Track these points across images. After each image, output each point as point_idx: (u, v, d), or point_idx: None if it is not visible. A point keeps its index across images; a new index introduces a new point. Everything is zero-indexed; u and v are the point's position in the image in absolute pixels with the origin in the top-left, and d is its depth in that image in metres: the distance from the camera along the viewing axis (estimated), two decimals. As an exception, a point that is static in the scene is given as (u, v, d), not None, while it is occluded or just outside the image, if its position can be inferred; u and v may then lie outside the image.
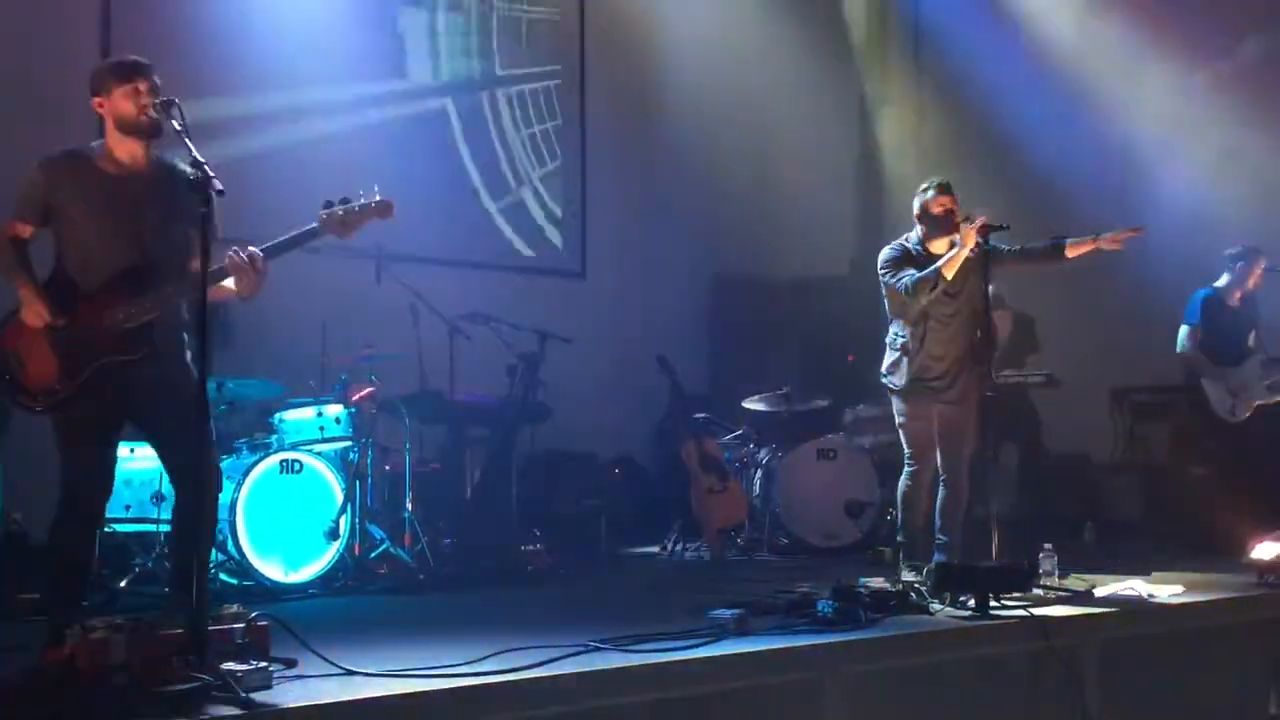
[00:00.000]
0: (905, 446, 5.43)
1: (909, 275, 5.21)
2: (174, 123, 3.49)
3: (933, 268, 5.17)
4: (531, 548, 6.14)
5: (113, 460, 3.82)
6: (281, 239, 3.74)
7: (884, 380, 5.46)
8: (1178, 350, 6.98)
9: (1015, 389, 7.08)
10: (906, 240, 5.41)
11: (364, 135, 7.64)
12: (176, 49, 6.22)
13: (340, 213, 3.73)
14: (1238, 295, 6.96)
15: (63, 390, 3.63)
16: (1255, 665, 4.96)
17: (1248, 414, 6.82)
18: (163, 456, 3.87)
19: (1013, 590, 4.57)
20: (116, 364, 3.63)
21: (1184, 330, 6.94)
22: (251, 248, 3.67)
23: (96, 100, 3.72)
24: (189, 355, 3.77)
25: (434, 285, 6.51)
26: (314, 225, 3.74)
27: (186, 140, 3.42)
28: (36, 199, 3.73)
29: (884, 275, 5.34)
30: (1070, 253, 5.23)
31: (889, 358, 5.41)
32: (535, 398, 6.82)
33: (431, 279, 6.67)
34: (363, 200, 3.77)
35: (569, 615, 4.71)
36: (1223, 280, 6.98)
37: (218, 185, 3.36)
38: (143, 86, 3.68)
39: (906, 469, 5.43)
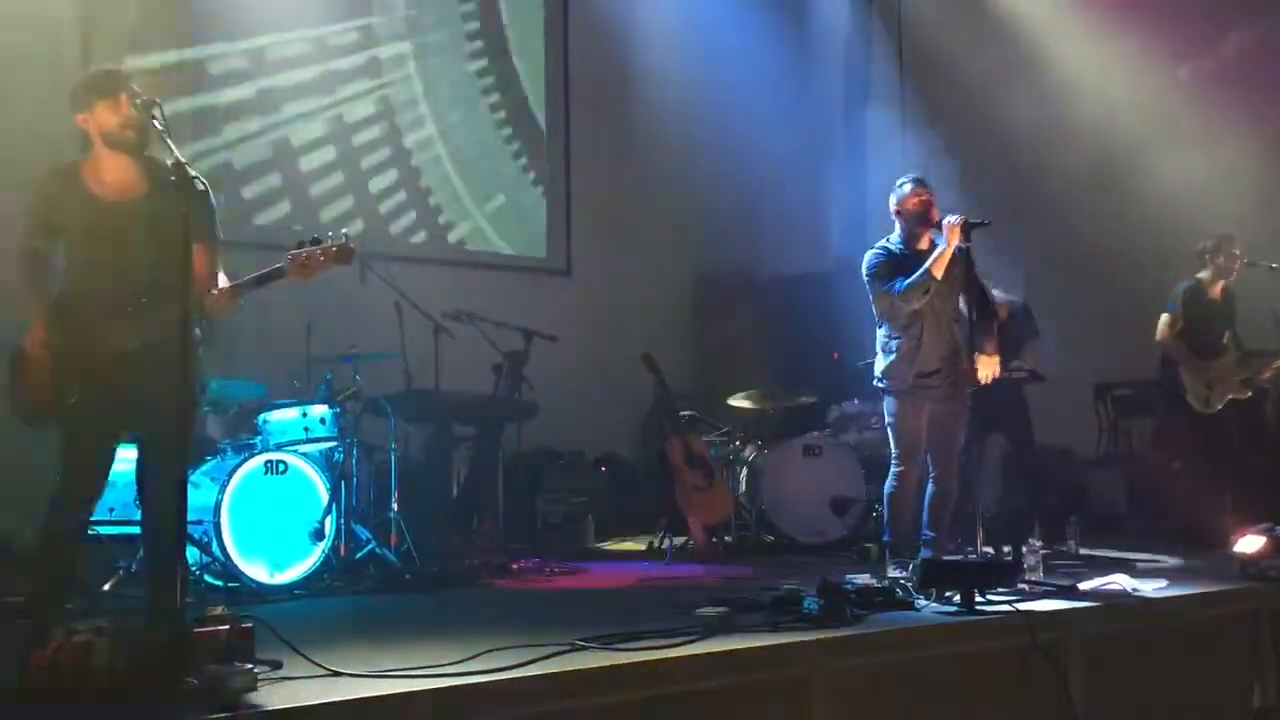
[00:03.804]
0: (894, 447, 5.38)
1: (899, 282, 5.16)
2: (155, 123, 3.44)
3: (922, 270, 5.12)
4: (517, 546, 6.12)
5: (108, 464, 3.80)
6: (248, 278, 3.74)
7: (879, 384, 5.39)
8: (1157, 338, 7.04)
9: (1006, 382, 7.05)
10: (888, 242, 5.36)
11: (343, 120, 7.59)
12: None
13: (304, 256, 3.70)
14: (1220, 287, 7.00)
15: (51, 410, 3.64)
16: (1238, 658, 4.98)
17: (1220, 406, 6.87)
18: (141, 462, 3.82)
19: (998, 585, 4.60)
20: (108, 386, 3.61)
21: (1164, 318, 7.01)
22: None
23: (80, 118, 3.67)
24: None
25: (418, 284, 6.50)
26: (280, 265, 3.73)
27: (167, 140, 3.39)
28: (39, 218, 3.73)
29: (871, 281, 5.30)
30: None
31: (884, 362, 5.34)
32: (521, 395, 6.81)
33: (416, 277, 6.66)
34: (327, 244, 3.73)
35: (554, 614, 4.71)
36: (1204, 273, 7.02)
37: (199, 185, 3.34)
38: (125, 97, 3.62)
39: (893, 469, 5.37)
